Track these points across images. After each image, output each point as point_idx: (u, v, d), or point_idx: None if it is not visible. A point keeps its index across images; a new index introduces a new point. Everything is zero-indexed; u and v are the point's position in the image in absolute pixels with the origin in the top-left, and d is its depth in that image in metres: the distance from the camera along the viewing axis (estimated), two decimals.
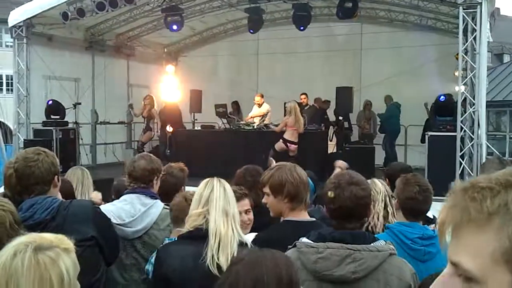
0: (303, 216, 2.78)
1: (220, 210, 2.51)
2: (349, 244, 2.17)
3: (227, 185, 2.64)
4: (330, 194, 2.34)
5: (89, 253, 2.58)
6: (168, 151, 12.10)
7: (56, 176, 2.65)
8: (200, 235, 2.47)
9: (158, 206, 3.34)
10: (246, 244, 2.51)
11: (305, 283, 2.13)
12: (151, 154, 3.73)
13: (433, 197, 7.92)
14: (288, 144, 10.38)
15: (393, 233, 2.82)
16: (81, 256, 2.51)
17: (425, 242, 2.81)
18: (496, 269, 0.86)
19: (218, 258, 2.40)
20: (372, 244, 2.20)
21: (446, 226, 0.93)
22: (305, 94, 12.55)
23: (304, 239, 2.26)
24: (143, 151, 11.57)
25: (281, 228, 2.78)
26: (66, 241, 1.54)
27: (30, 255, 1.44)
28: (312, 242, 2.23)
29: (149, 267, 2.91)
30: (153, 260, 2.82)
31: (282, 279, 1.48)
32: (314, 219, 2.86)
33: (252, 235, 2.84)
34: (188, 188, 4.05)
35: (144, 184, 3.36)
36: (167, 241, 2.91)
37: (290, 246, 2.29)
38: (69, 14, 11.24)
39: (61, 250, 1.50)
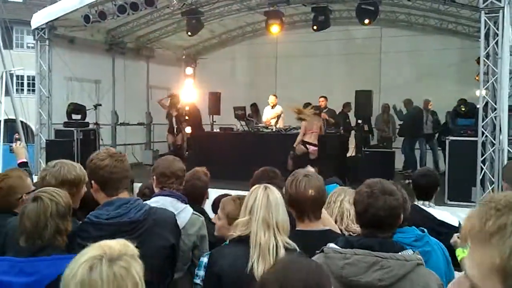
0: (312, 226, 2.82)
1: (260, 220, 2.54)
2: (377, 252, 2.17)
3: (273, 193, 2.64)
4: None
5: (167, 261, 2.73)
6: (187, 152, 12.17)
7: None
8: (247, 241, 2.55)
9: (187, 212, 3.36)
10: (295, 249, 2.53)
11: None
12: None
13: (454, 202, 7.85)
14: (308, 146, 10.36)
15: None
16: (159, 264, 2.63)
17: (420, 244, 2.83)
18: (491, 279, 1.03)
19: (257, 268, 2.44)
20: (400, 253, 2.20)
21: (465, 235, 1.10)
22: (324, 97, 12.50)
23: (332, 245, 2.27)
24: (180, 154, 11.65)
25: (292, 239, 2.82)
26: (131, 247, 1.58)
27: (107, 269, 1.46)
28: (339, 248, 2.24)
29: (199, 272, 2.92)
30: (203, 264, 2.88)
31: (309, 286, 1.50)
32: (326, 227, 2.88)
33: None
34: (210, 191, 4.10)
35: (181, 184, 3.40)
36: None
37: (317, 252, 2.30)
38: (91, 17, 11.37)
39: (130, 258, 1.53)
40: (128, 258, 1.52)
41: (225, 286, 2.52)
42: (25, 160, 4.72)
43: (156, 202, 3.28)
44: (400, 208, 2.32)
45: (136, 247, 2.39)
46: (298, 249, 2.54)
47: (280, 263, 1.58)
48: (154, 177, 3.44)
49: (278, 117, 12.46)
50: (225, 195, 4.05)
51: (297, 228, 2.84)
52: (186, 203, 3.39)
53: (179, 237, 2.91)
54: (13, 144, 4.78)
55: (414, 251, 2.28)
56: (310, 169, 4.00)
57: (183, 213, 3.32)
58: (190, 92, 15.86)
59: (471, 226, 1.08)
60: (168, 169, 3.41)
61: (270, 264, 2.42)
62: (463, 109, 9.90)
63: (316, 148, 10.35)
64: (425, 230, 2.95)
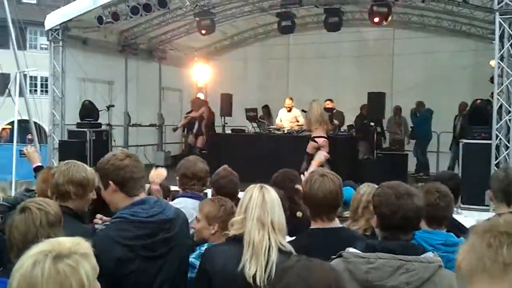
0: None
1: (255, 218, 2.53)
2: (400, 255, 2.16)
3: (269, 192, 2.62)
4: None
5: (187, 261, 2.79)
6: (199, 153, 12.18)
7: None
8: (241, 241, 2.53)
9: None
10: (291, 252, 2.51)
11: None
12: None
13: (468, 206, 7.76)
14: (316, 139, 10.23)
15: (415, 239, 2.78)
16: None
17: (448, 249, 2.77)
18: None
19: (249, 267, 2.44)
20: (422, 255, 2.19)
21: (462, 270, 0.92)
22: (330, 100, 12.28)
23: (352, 249, 2.24)
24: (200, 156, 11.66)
25: (307, 238, 2.82)
26: (84, 245, 1.53)
27: (50, 265, 1.43)
28: (360, 252, 2.21)
29: (194, 260, 2.93)
30: (195, 254, 2.91)
31: (331, 287, 1.49)
32: (340, 225, 2.87)
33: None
34: None
35: (203, 186, 3.40)
36: None
37: (334, 257, 2.26)
38: (104, 18, 11.45)
39: (80, 256, 1.48)
40: (77, 256, 1.47)
41: (215, 285, 2.51)
42: (40, 164, 4.70)
43: (178, 203, 3.31)
44: (423, 210, 2.34)
45: (172, 246, 2.53)
46: (293, 252, 2.50)
47: (300, 264, 1.54)
48: (177, 178, 3.45)
49: (302, 125, 12.36)
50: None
51: (310, 227, 2.83)
52: None
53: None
54: (24, 149, 4.72)
55: (433, 253, 2.27)
56: (321, 155, 3.93)
57: None
58: (202, 93, 15.89)
59: (474, 262, 0.89)
60: (189, 170, 3.42)
61: (262, 264, 2.42)
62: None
63: (324, 140, 10.15)
64: (462, 238, 2.88)
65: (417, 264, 2.14)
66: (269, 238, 2.50)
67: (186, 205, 3.20)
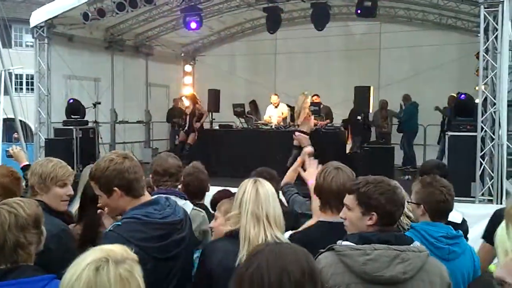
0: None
1: (249, 213, 2.53)
2: (395, 245, 2.19)
3: (263, 187, 2.62)
4: None
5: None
6: (186, 150, 12.15)
7: None
8: (237, 236, 2.54)
9: (188, 207, 3.34)
10: None
11: (351, 286, 2.15)
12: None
13: (456, 198, 7.85)
14: (296, 133, 10.52)
15: (418, 231, 2.83)
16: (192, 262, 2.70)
17: (449, 241, 2.82)
18: None
19: None
20: (411, 245, 2.24)
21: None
22: (317, 95, 12.37)
23: (345, 242, 2.24)
24: (187, 153, 11.65)
25: (315, 230, 2.83)
26: (131, 252, 1.59)
27: (114, 270, 1.48)
28: (354, 244, 2.22)
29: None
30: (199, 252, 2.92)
31: (305, 269, 1.51)
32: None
33: (287, 234, 2.86)
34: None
35: (177, 181, 3.38)
36: None
37: (322, 250, 2.26)
38: (90, 14, 11.38)
39: (132, 261, 1.55)
40: (130, 261, 1.54)
41: (215, 281, 2.52)
42: (27, 163, 4.67)
43: None
44: (405, 201, 2.43)
45: (184, 247, 2.55)
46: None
47: (272, 248, 1.55)
48: (150, 176, 3.44)
49: (286, 117, 12.45)
50: (224, 190, 4.04)
51: (319, 219, 2.84)
52: (185, 199, 3.38)
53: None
54: (10, 149, 4.67)
55: (419, 243, 2.33)
56: (306, 151, 3.94)
57: (184, 208, 3.30)
58: (188, 89, 15.85)
59: None
60: (160, 166, 3.39)
61: None
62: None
63: (301, 134, 10.38)
64: (460, 231, 2.94)
65: (410, 253, 2.18)
66: (265, 232, 2.49)
67: None
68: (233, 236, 2.56)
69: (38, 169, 2.98)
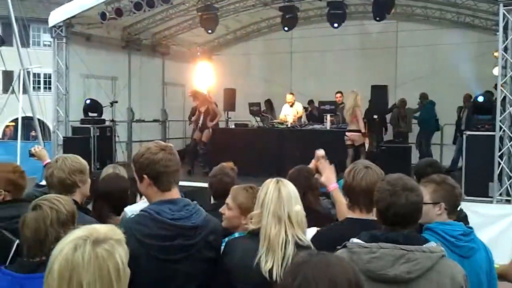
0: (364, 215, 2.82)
1: (270, 213, 2.54)
2: (402, 245, 2.19)
3: (285, 187, 2.63)
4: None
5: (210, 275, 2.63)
6: (202, 149, 12.19)
7: None
8: (258, 235, 2.55)
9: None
10: (309, 246, 2.52)
11: None
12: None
13: (471, 198, 7.81)
14: (347, 134, 10.71)
15: (436, 232, 2.82)
16: (207, 273, 2.59)
17: (467, 238, 2.83)
18: None
19: (266, 262, 2.45)
20: (424, 245, 2.22)
21: None
22: (340, 92, 12.41)
23: (356, 240, 2.27)
24: (203, 152, 11.70)
25: (342, 227, 2.84)
26: (118, 232, 1.62)
27: (90, 249, 1.51)
28: (363, 242, 2.25)
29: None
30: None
31: (351, 281, 1.48)
32: (375, 218, 2.88)
33: (313, 230, 2.88)
34: None
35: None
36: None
37: (339, 247, 2.29)
38: (107, 14, 11.47)
39: (115, 242, 1.57)
40: (113, 242, 1.56)
41: (234, 279, 2.53)
42: (49, 161, 4.75)
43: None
44: (422, 203, 2.34)
45: (192, 253, 2.47)
46: (312, 246, 2.52)
47: (318, 258, 1.52)
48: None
49: (301, 116, 12.45)
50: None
51: (347, 216, 2.86)
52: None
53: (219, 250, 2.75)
54: (32, 149, 4.76)
55: (436, 243, 2.30)
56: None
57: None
58: (205, 88, 15.88)
59: None
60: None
61: (278, 259, 2.43)
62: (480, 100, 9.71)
63: (355, 133, 10.53)
64: (472, 227, 2.95)
65: (419, 253, 2.18)
66: (285, 233, 2.50)
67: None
68: (254, 235, 2.58)
69: (76, 165, 3.08)
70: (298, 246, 2.49)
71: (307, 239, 2.58)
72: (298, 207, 2.60)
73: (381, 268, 2.16)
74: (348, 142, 10.61)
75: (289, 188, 2.63)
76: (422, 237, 2.35)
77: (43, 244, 2.30)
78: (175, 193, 2.59)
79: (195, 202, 2.66)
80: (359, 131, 10.56)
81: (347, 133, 10.64)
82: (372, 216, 2.77)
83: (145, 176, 2.54)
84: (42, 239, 2.30)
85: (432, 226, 2.90)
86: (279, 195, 2.57)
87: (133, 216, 2.62)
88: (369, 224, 2.62)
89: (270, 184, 2.64)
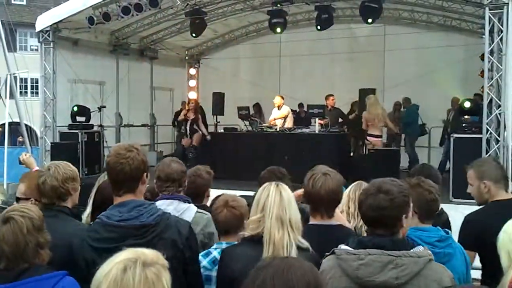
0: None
1: (274, 217, 2.53)
2: (390, 251, 2.19)
3: (285, 190, 2.64)
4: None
5: (177, 273, 2.51)
6: (192, 153, 12.17)
7: (145, 173, 2.61)
8: (259, 241, 2.53)
9: (191, 211, 3.34)
10: (308, 249, 2.53)
11: None
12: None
13: (458, 200, 7.83)
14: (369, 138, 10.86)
15: (411, 239, 2.77)
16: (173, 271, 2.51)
17: (442, 244, 2.81)
18: None
19: None
20: (411, 250, 2.22)
21: None
22: (332, 95, 12.42)
23: (344, 246, 2.28)
24: (194, 156, 11.66)
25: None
26: (162, 258, 1.64)
27: (140, 271, 1.53)
28: (352, 249, 2.25)
29: (207, 265, 2.94)
30: (212, 258, 2.92)
31: (310, 283, 1.51)
32: (337, 222, 2.91)
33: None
34: (211, 191, 4.09)
35: (180, 187, 3.39)
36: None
37: (327, 254, 2.30)
38: (95, 18, 11.41)
39: (161, 266, 1.60)
40: (160, 266, 1.59)
41: None
42: (38, 168, 4.73)
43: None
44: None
45: None
46: (310, 249, 2.53)
47: (278, 262, 1.56)
48: (154, 181, 3.44)
49: (285, 117, 12.44)
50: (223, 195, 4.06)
51: (309, 222, 2.88)
52: (189, 203, 3.39)
53: (194, 249, 2.64)
54: (20, 157, 4.73)
55: (424, 247, 2.29)
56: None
57: (187, 212, 3.30)
58: (193, 92, 15.88)
59: None
60: (162, 172, 3.39)
61: None
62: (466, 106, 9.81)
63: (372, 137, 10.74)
64: (449, 232, 2.93)
65: (406, 259, 2.18)
66: (288, 236, 2.51)
67: (166, 208, 3.17)
68: (253, 241, 2.56)
69: (69, 173, 3.07)
70: (300, 249, 2.50)
71: (306, 243, 2.58)
72: (296, 211, 2.61)
73: (369, 274, 2.16)
74: (370, 147, 10.84)
75: (289, 192, 2.64)
76: (409, 241, 2.35)
77: (25, 253, 2.27)
78: (131, 197, 2.55)
79: (151, 203, 2.61)
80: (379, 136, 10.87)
81: (367, 138, 10.92)
82: (333, 221, 2.84)
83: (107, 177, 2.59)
84: (23, 249, 2.26)
85: (409, 233, 2.84)
86: (281, 199, 2.57)
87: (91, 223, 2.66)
88: (328, 228, 2.69)
89: (270, 188, 2.62)
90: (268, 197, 2.58)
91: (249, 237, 2.60)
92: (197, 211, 3.36)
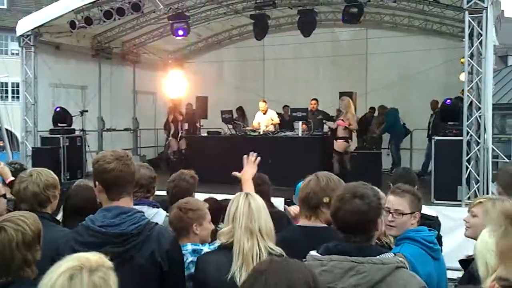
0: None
1: (243, 227, 2.60)
2: (354, 257, 2.14)
3: (255, 200, 2.70)
4: (326, 200, 2.67)
5: (154, 284, 2.49)
6: (175, 157, 12.14)
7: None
8: (231, 250, 2.60)
9: (160, 215, 3.37)
10: (281, 254, 2.54)
11: None
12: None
13: (440, 202, 8.04)
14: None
15: (417, 241, 2.94)
16: (143, 283, 2.42)
17: (437, 242, 3.03)
18: None
19: (241, 275, 2.49)
20: (378, 256, 2.15)
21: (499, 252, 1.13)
22: (315, 99, 12.47)
23: (313, 252, 2.24)
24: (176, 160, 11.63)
25: (294, 232, 2.94)
26: (106, 260, 1.63)
27: (87, 278, 1.52)
28: (318, 255, 2.22)
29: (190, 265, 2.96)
30: (187, 261, 2.93)
31: (310, 285, 1.52)
32: (325, 225, 2.92)
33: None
34: (196, 195, 4.11)
35: (148, 192, 3.39)
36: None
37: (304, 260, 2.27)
38: (77, 22, 11.30)
39: (107, 269, 1.59)
40: (105, 269, 1.57)
41: None
42: (13, 179, 4.56)
43: None
44: (372, 212, 2.22)
45: (125, 260, 2.36)
46: (284, 254, 2.53)
47: (277, 264, 1.55)
48: None
49: (279, 123, 12.51)
50: (210, 198, 4.08)
51: (298, 224, 2.95)
52: (158, 208, 3.40)
53: (175, 262, 2.55)
54: None
55: (395, 254, 2.25)
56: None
57: (156, 217, 3.33)
58: (176, 96, 15.83)
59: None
60: (139, 177, 3.39)
61: None
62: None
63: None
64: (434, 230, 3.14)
65: (369, 265, 2.11)
66: (258, 246, 2.57)
67: None
68: (226, 249, 2.63)
69: (50, 180, 3.08)
70: (271, 255, 2.52)
71: (278, 249, 2.61)
72: (266, 219, 2.66)
73: (331, 281, 2.11)
74: (338, 149, 11.07)
75: (258, 202, 2.70)
76: (377, 248, 2.27)
77: (9, 267, 2.21)
78: (123, 202, 2.54)
79: (138, 211, 2.57)
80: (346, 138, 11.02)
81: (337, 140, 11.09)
82: (321, 223, 2.86)
83: (97, 182, 2.56)
84: (7, 263, 2.20)
85: (410, 235, 2.97)
86: (249, 209, 2.64)
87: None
88: (312, 230, 2.78)
89: (239, 199, 2.69)
90: (237, 208, 2.66)
91: (221, 245, 2.68)
92: (166, 215, 3.37)
